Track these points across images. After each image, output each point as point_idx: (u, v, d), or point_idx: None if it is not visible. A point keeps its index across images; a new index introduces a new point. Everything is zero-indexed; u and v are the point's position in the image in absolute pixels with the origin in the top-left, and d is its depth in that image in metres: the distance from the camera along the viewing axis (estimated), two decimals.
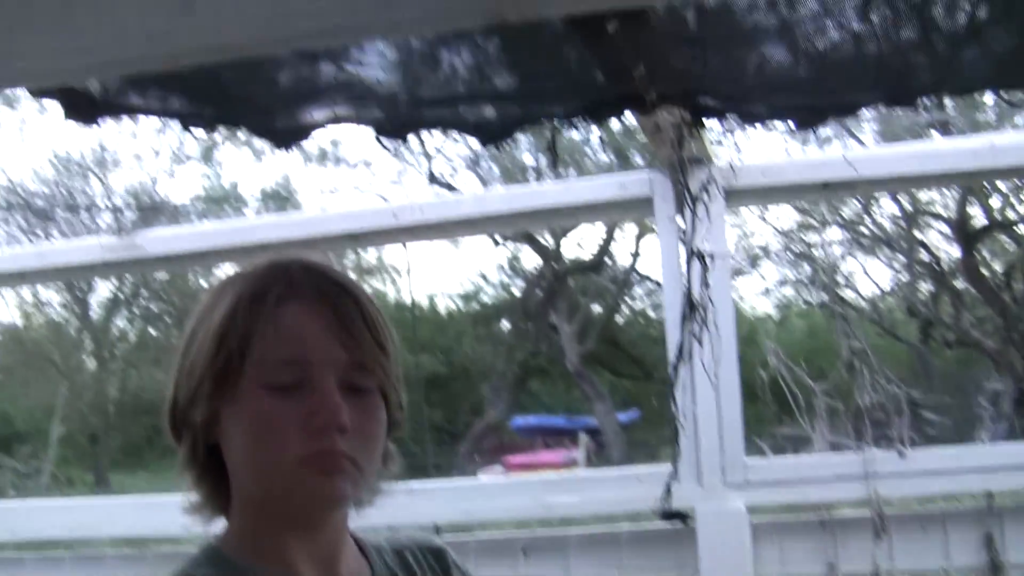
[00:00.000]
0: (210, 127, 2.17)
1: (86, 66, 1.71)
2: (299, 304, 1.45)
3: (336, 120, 2.17)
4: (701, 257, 2.92)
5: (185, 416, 1.49)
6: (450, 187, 19.98)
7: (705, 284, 2.93)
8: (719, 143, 3.34)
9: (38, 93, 2.17)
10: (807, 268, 20.12)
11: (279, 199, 23.44)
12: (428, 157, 20.14)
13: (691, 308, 2.92)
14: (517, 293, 26.36)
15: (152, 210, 21.97)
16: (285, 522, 1.48)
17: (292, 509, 1.46)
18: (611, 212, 3.56)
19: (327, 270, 1.52)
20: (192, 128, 2.13)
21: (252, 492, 1.48)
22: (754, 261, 21.13)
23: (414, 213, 3.39)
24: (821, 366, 3.81)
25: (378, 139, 2.23)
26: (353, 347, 1.44)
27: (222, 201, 24.14)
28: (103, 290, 26.21)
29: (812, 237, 18.41)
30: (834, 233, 18.16)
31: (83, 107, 2.07)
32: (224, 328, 1.45)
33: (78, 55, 1.64)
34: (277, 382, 1.42)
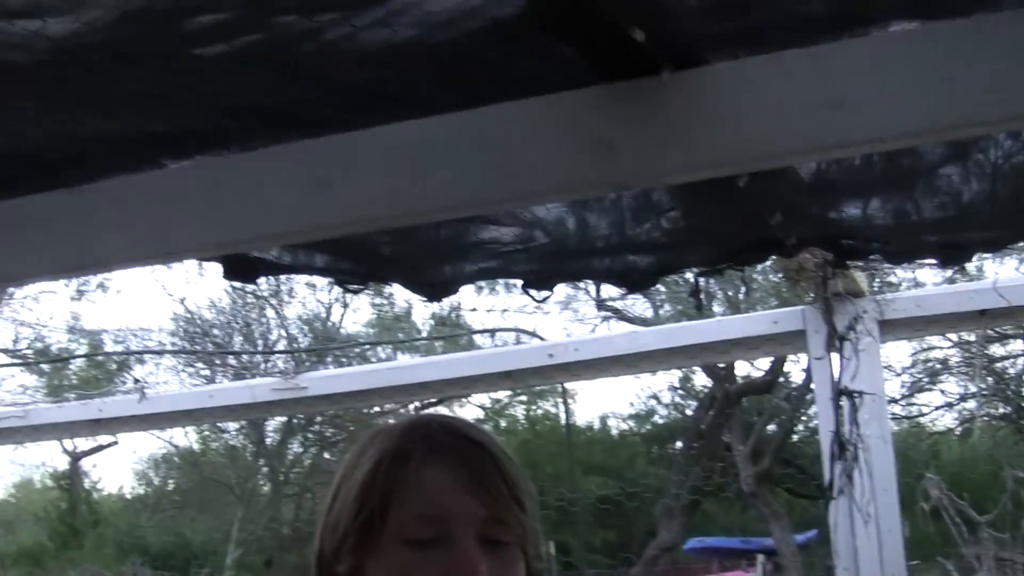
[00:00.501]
0: (362, 283, 2.28)
1: (237, 239, 1.85)
2: (438, 462, 1.49)
3: (485, 275, 2.26)
4: (850, 395, 2.90)
5: (331, 568, 1.54)
6: (616, 312, 19.90)
7: (855, 422, 2.91)
8: (871, 275, 3.32)
9: (200, 260, 2.31)
10: (990, 381, 19.45)
11: (450, 325, 23.72)
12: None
13: (840, 447, 2.91)
14: (689, 413, 26.03)
15: (325, 339, 22.51)
16: None
17: None
18: (765, 347, 3.57)
19: (466, 427, 1.57)
20: (345, 285, 2.25)
21: None
22: (933, 375, 20.50)
23: (568, 352, 3.46)
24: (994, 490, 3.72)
25: (525, 290, 2.31)
26: (491, 503, 1.47)
27: (394, 328, 24.56)
28: (278, 415, 26.77)
29: (996, 349, 17.86)
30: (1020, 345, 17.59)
31: (242, 269, 2.20)
32: (366, 485, 1.50)
33: (230, 229, 1.79)
34: (416, 538, 1.45)
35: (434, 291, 2.28)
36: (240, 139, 1.82)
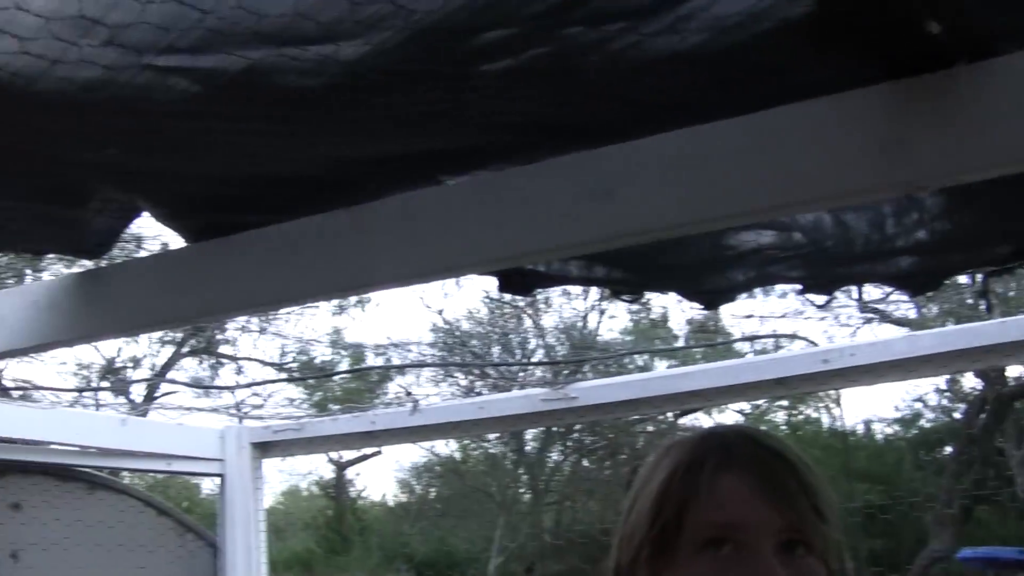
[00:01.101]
0: (637, 293, 2.29)
1: (516, 253, 1.87)
2: (734, 470, 1.47)
3: (762, 280, 2.23)
4: None
5: None
6: (880, 314, 19.28)
7: None
8: None
9: (477, 274, 2.35)
10: None
11: (707, 332, 23.46)
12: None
13: None
14: (958, 416, 24.98)
15: (583, 348, 22.63)
16: None
17: None
18: None
19: (761, 436, 1.56)
20: (620, 295, 2.25)
21: None
22: None
23: (844, 357, 3.37)
24: None
25: (803, 295, 2.27)
26: (789, 512, 1.45)
27: (650, 335, 24.52)
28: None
29: None
30: None
31: (516, 283, 2.23)
32: (662, 495, 1.50)
33: (509, 243, 1.82)
34: (713, 548, 1.44)
35: (711, 299, 2.26)
36: (520, 152, 1.84)
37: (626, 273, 2.21)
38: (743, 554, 1.43)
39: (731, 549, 1.44)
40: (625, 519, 1.58)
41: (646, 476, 1.57)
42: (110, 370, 24.97)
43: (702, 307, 2.30)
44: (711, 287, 2.22)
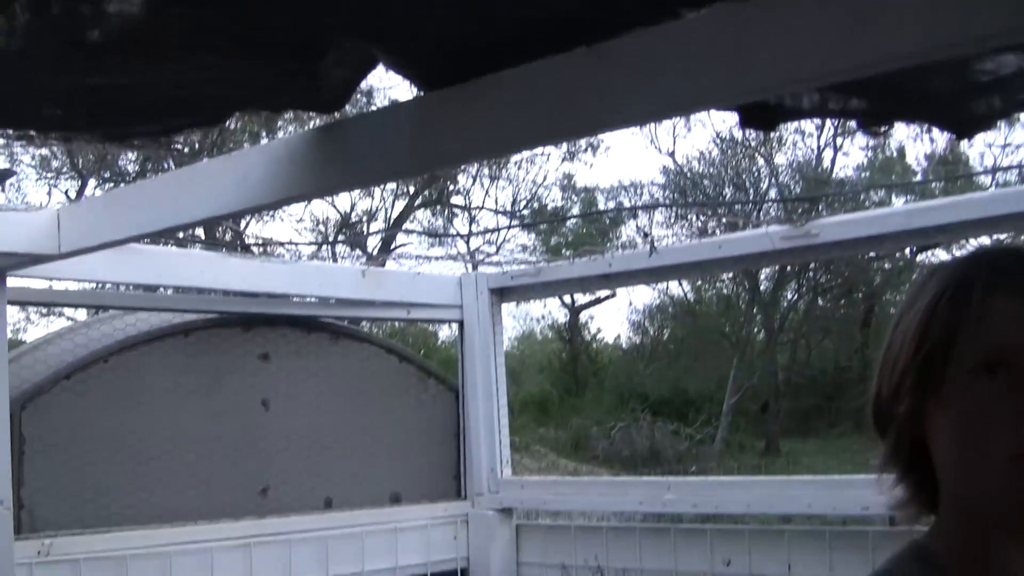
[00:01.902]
0: (888, 124, 2.17)
1: (762, 85, 1.79)
2: (1008, 293, 1.37)
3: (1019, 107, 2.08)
4: None
5: (889, 410, 1.47)
6: None
7: None
8: None
9: (719, 109, 2.28)
10: None
11: (946, 164, 22.52)
12: None
13: None
14: None
15: (818, 184, 22.12)
16: (995, 525, 1.41)
17: (1003, 511, 1.39)
18: None
19: None
20: (876, 127, 2.14)
21: (959, 490, 1.43)
22: None
23: None
24: None
25: None
26: None
27: (887, 171, 23.75)
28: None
29: None
30: None
31: (759, 117, 2.15)
32: (927, 320, 1.41)
33: (755, 76, 1.73)
34: (985, 375, 1.35)
35: (964, 127, 2.13)
36: None
37: (877, 103, 2.10)
38: (1018, 381, 1.33)
39: (1006, 375, 1.34)
40: (887, 346, 1.48)
41: (910, 301, 1.47)
42: (346, 224, 25.85)
43: (955, 135, 2.16)
44: (965, 114, 2.09)
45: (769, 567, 3.29)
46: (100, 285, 4.36)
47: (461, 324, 4.20)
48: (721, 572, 3.39)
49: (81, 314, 10.41)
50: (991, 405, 1.34)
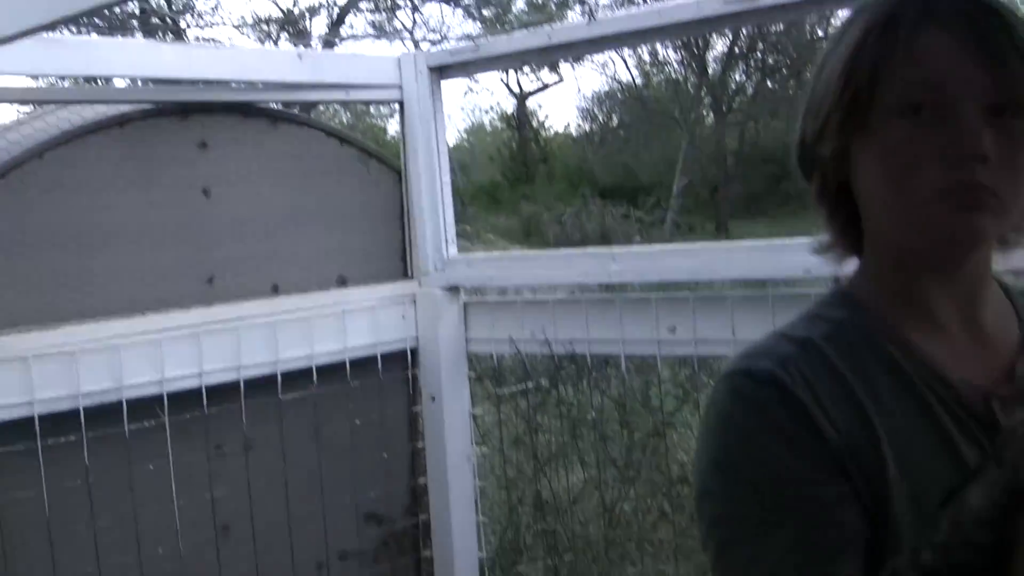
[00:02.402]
0: None
1: None
2: (937, 27, 1.35)
3: None
4: None
5: (814, 152, 1.48)
6: None
7: None
8: None
9: None
10: None
11: None
12: None
13: None
14: None
15: None
16: (919, 262, 1.43)
17: (927, 248, 1.41)
18: None
19: None
20: None
21: (884, 230, 1.45)
22: None
23: None
24: None
25: None
26: (997, 71, 1.33)
27: None
28: (719, 46, 26.58)
29: None
30: None
31: None
32: (853, 57, 1.39)
33: None
34: (911, 111, 1.35)
35: None
36: None
37: None
38: (943, 118, 1.33)
39: (930, 113, 1.34)
40: (812, 89, 1.48)
41: (836, 38, 1.45)
42: (289, 21, 25.23)
43: None
44: None
45: (714, 332, 3.33)
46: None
47: (401, 104, 4.13)
48: (667, 339, 3.44)
49: (11, 114, 10.22)
50: (917, 142, 1.34)
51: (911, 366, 1.41)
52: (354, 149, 4.16)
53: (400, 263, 4.20)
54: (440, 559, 4.12)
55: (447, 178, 4.10)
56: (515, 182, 29.26)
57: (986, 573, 1.11)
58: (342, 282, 4.06)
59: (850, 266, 1.56)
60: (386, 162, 4.23)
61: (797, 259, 3.01)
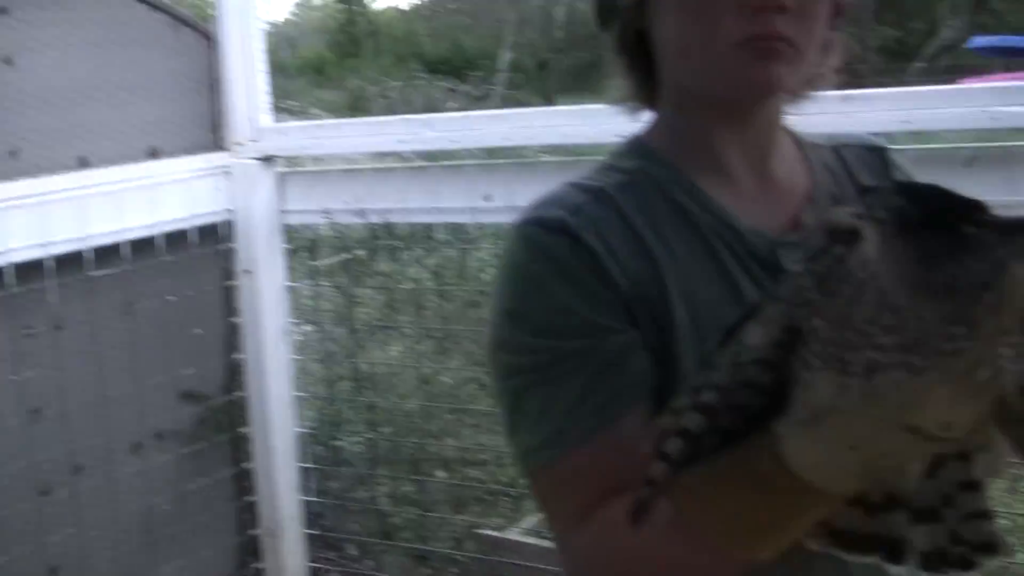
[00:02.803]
0: None
1: None
2: None
3: None
4: None
5: (613, 1, 1.45)
6: None
7: None
8: None
9: None
10: None
11: None
12: None
13: None
14: None
15: None
16: (714, 112, 1.42)
17: (722, 97, 1.40)
18: None
19: None
20: None
21: (680, 80, 1.43)
22: None
23: None
24: None
25: None
26: None
27: None
28: None
29: None
30: None
31: None
32: None
33: None
34: None
35: None
36: None
37: None
38: None
39: None
40: None
41: None
42: None
43: None
44: None
45: (529, 199, 3.29)
46: None
47: None
48: (482, 207, 3.41)
49: None
50: None
51: (701, 214, 1.41)
52: (163, 15, 3.96)
53: (213, 134, 4.05)
54: (258, 435, 4.07)
55: (260, 44, 3.94)
56: (343, 56, 28.69)
57: (764, 412, 1.12)
58: (153, 154, 3.89)
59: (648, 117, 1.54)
60: (197, 28, 4.04)
61: (611, 125, 3.00)
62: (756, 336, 1.11)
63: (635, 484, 1.14)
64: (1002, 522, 3.36)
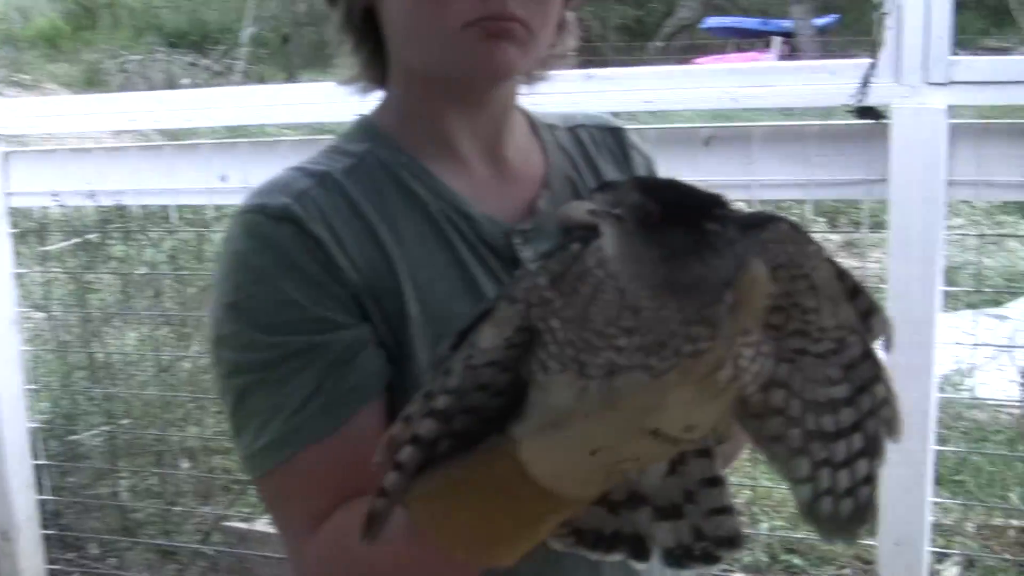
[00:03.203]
0: None
1: None
2: None
3: None
4: None
5: None
6: None
7: None
8: None
9: None
10: None
11: None
12: None
13: None
14: None
15: None
16: (446, 95, 1.38)
17: (453, 79, 1.35)
18: None
19: None
20: None
21: (410, 60, 1.38)
22: None
23: None
24: None
25: None
26: None
27: None
28: None
29: None
30: None
31: None
32: None
33: None
34: None
35: None
36: None
37: None
38: None
39: None
40: None
41: None
42: None
43: None
44: None
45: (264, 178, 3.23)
46: None
47: None
48: (219, 188, 3.29)
49: None
50: None
51: (433, 200, 1.37)
52: None
53: None
54: None
55: None
56: (77, 28, 27.49)
57: (501, 414, 1.09)
58: None
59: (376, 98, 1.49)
60: None
61: (356, 103, 2.95)
62: (489, 338, 1.07)
63: (370, 487, 1.10)
64: (745, 492, 3.53)
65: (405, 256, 1.32)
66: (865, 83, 2.82)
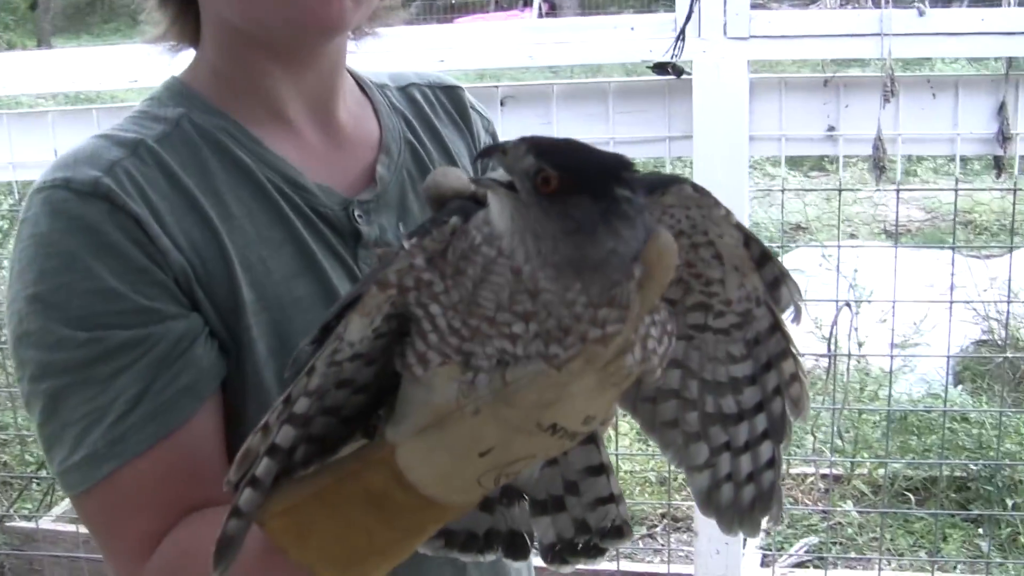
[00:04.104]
0: None
1: None
2: None
3: None
4: None
5: None
6: None
7: None
8: None
9: None
10: None
11: None
12: None
13: None
14: None
15: None
16: (270, 54, 1.22)
17: (279, 37, 1.19)
18: None
19: None
20: None
21: (229, 15, 1.20)
22: None
23: None
24: None
25: None
26: None
27: None
28: None
29: None
30: None
31: None
32: None
33: None
34: None
35: None
36: None
37: None
38: None
39: None
40: None
41: None
42: None
43: None
44: None
45: (34, 153, 3.07)
46: None
47: None
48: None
49: None
50: None
51: (262, 169, 1.21)
52: None
53: None
54: None
55: None
56: None
57: (361, 412, 0.99)
58: None
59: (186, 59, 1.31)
60: None
61: (123, 71, 2.75)
62: (358, 330, 0.93)
63: (211, 498, 0.98)
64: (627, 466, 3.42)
65: (234, 233, 1.16)
66: (680, 37, 2.77)
